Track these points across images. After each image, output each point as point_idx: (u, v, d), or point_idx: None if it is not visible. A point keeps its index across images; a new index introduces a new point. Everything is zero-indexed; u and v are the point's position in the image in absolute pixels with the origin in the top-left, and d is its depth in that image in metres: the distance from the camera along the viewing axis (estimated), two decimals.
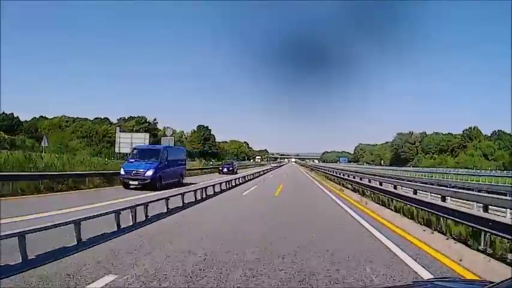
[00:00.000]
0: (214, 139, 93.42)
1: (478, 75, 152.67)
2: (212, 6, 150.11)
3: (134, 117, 75.71)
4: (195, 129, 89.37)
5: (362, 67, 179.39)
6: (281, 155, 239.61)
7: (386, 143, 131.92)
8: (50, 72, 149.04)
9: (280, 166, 79.68)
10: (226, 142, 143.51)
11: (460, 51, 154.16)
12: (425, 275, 4.47)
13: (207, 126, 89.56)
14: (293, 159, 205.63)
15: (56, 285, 3.82)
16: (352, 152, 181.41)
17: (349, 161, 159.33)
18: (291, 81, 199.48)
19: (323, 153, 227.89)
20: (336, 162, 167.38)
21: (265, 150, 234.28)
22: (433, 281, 2.35)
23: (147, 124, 71.99)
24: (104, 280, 3.99)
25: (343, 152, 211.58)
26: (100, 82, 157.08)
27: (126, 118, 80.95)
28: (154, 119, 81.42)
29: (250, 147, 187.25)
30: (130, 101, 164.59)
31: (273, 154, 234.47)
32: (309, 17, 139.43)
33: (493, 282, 1.33)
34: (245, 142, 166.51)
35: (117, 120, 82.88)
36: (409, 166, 72.20)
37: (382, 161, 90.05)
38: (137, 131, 72.42)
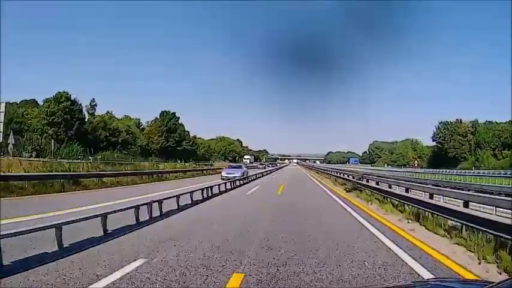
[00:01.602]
0: (185, 131, 68.44)
1: (475, 74, 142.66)
2: (212, 6, 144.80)
3: None
4: (158, 117, 64.54)
5: (365, 65, 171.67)
6: (281, 155, 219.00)
7: (407, 139, 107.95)
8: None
9: (271, 171, 49.35)
10: (213, 139, 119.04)
11: (459, 51, 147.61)
12: None
13: (174, 113, 64.84)
14: (295, 161, 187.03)
15: None
16: (361, 153, 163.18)
17: (360, 162, 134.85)
18: (292, 81, 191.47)
19: (327, 154, 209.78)
20: (344, 163, 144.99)
21: (265, 150, 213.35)
22: (433, 281, 2.33)
23: (69, 103, 47.21)
24: None
25: (349, 152, 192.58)
26: (101, 83, 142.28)
27: None
28: (92, 100, 56.94)
29: (246, 146, 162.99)
30: (128, 100, 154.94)
31: (273, 155, 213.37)
32: (309, 17, 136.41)
33: (492, 282, 1.33)
34: (238, 140, 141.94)
35: (43, 101, 58.21)
36: (472, 168, 46.99)
37: (416, 162, 64.94)
38: (53, 113, 47.98)
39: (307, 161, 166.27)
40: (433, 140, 66.21)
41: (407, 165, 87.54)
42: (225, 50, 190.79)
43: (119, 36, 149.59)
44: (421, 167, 66.46)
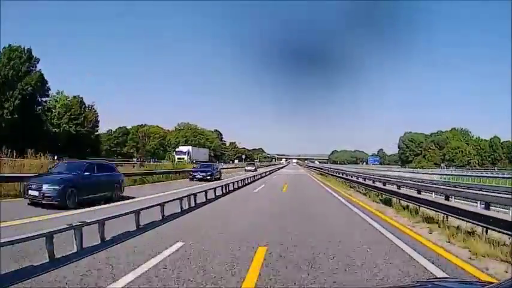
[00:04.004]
0: (47, 88, 33.76)
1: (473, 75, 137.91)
2: (213, 6, 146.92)
3: None
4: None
5: (367, 62, 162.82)
6: (280, 155, 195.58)
7: (453, 129, 74.06)
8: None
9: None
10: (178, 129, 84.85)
11: (460, 50, 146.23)
12: None
13: (28, 50, 30.54)
14: (294, 161, 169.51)
15: None
16: (369, 152, 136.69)
17: (381, 163, 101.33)
18: (292, 80, 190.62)
19: (331, 153, 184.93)
20: (354, 163, 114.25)
21: (261, 149, 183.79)
22: (433, 281, 2.34)
23: None
24: None
25: (357, 150, 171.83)
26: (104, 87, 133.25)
27: None
28: None
29: (233, 142, 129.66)
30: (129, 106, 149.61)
31: (269, 154, 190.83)
32: (309, 17, 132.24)
33: (492, 283, 1.36)
34: (216, 130, 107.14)
35: None
36: None
37: None
38: None
39: (306, 161, 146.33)
40: None
41: (471, 166, 53.71)
42: (224, 47, 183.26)
43: (118, 36, 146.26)
44: None
